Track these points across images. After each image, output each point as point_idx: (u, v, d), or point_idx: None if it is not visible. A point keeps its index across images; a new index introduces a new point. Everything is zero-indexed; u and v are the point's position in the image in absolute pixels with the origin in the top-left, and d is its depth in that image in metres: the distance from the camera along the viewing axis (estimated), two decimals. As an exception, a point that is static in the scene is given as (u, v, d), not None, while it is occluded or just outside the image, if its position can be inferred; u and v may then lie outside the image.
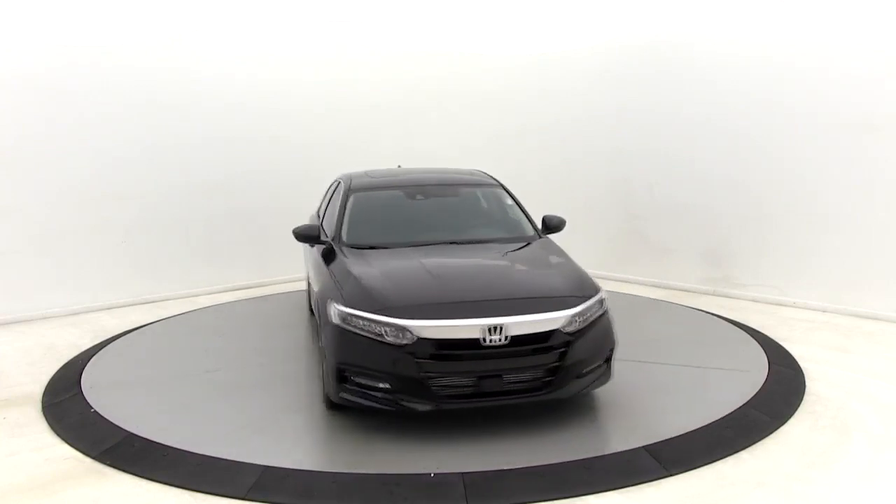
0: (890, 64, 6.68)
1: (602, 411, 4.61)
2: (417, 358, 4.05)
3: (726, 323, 6.75)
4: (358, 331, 4.20)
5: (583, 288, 4.56)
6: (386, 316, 4.14)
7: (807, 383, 5.09)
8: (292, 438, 4.34)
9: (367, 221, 5.56)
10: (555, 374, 4.20)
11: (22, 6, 7.08)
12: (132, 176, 7.85)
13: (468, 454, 3.98)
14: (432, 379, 4.07)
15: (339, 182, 6.35)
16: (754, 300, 7.67)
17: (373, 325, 4.15)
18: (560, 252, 5.26)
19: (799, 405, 4.68)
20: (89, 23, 7.50)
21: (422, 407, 4.11)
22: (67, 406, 4.84)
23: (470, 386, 4.12)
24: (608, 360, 4.51)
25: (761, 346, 5.94)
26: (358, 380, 4.18)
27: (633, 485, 3.63)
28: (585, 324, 4.33)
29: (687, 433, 4.20)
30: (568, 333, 4.22)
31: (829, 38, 7.06)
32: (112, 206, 7.73)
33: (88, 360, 5.78)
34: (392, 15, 9.71)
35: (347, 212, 5.59)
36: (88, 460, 4.01)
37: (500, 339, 4.08)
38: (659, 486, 3.64)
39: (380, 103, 9.44)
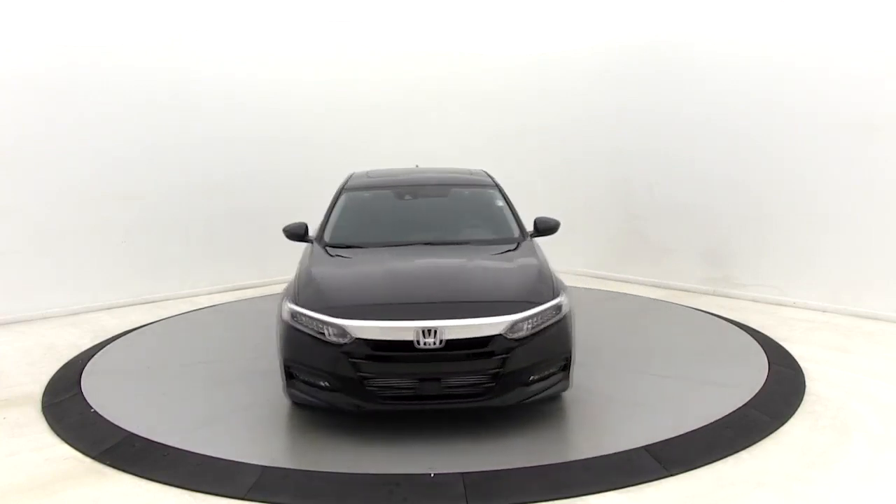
0: (890, 64, 6.69)
1: (601, 411, 4.60)
2: (354, 358, 4.05)
3: (726, 323, 6.75)
4: (304, 329, 4.21)
5: (536, 293, 4.36)
6: (327, 315, 4.15)
7: (807, 383, 5.08)
8: (292, 438, 4.35)
9: (351, 221, 5.56)
10: (496, 380, 4.09)
11: (22, 6, 7.09)
12: (132, 176, 7.86)
13: (468, 454, 3.97)
14: (369, 380, 4.05)
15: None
16: (754, 300, 7.68)
17: (316, 323, 4.17)
18: (535, 255, 4.96)
19: (799, 405, 4.68)
20: (89, 23, 7.50)
21: (360, 407, 4.11)
22: (67, 406, 4.83)
23: (409, 388, 4.09)
24: (565, 367, 4.34)
25: (761, 346, 5.94)
26: (304, 378, 4.21)
27: (633, 485, 3.63)
28: (535, 330, 4.18)
29: (687, 433, 4.20)
30: (513, 339, 4.11)
31: (829, 38, 7.07)
32: (112, 206, 7.74)
33: (88, 360, 5.78)
34: (392, 15, 9.71)
35: (335, 211, 5.64)
36: (88, 460, 4.01)
37: (434, 343, 4.02)
38: (659, 486, 3.63)
39: (380, 103, 9.45)
